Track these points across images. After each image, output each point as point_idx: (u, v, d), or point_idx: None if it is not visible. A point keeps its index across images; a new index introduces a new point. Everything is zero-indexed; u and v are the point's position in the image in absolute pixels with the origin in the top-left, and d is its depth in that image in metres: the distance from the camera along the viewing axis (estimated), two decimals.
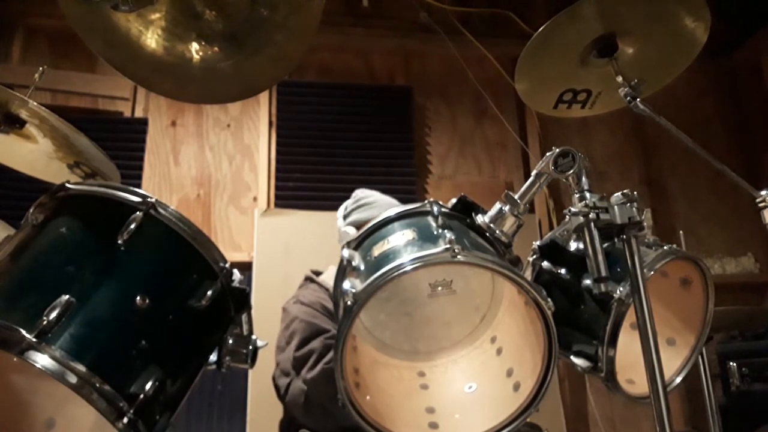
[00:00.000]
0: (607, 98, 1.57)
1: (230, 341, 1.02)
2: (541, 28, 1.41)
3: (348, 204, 2.11)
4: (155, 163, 3.13)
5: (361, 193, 2.14)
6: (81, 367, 0.80)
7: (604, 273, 1.00)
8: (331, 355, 1.75)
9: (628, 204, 1.06)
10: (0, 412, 1.03)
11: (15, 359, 0.79)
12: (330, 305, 1.93)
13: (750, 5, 3.38)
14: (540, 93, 1.59)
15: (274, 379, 1.94)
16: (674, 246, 1.24)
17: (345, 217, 2.09)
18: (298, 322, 1.88)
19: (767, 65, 3.57)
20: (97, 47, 1.26)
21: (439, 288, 1.11)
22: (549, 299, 0.98)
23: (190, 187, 3.14)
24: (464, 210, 1.14)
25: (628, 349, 1.12)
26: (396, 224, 1.10)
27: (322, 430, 1.80)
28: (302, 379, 1.78)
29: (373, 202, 2.09)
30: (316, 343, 1.80)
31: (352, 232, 2.03)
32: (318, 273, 2.10)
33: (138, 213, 0.95)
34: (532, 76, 1.54)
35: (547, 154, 1.14)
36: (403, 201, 1.16)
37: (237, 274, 1.04)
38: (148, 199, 0.97)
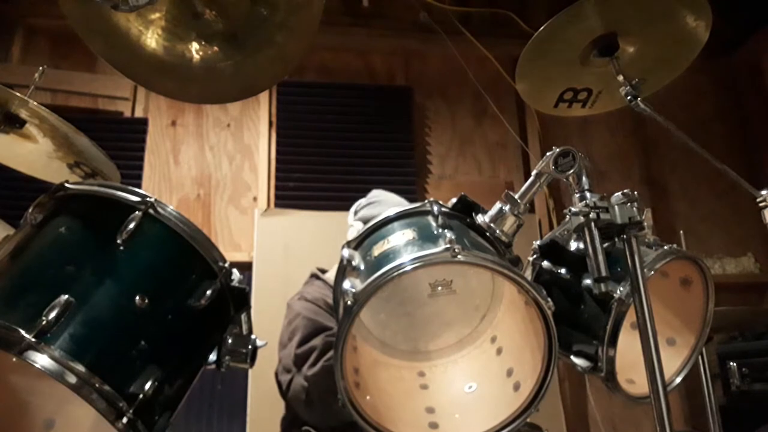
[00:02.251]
0: (608, 98, 1.57)
1: (230, 341, 1.02)
2: (541, 28, 1.41)
3: (362, 201, 2.17)
4: (155, 163, 3.13)
5: (375, 192, 2.19)
6: (80, 367, 0.80)
7: (604, 273, 1.00)
8: (332, 352, 1.76)
9: (629, 204, 1.06)
10: (0, 412, 1.03)
11: (14, 359, 0.79)
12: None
13: (750, 5, 3.38)
14: (540, 92, 1.59)
15: (276, 375, 1.95)
16: (674, 246, 1.23)
17: (356, 213, 2.14)
18: (301, 319, 1.90)
19: (767, 65, 3.57)
20: (97, 47, 1.26)
21: (439, 288, 1.11)
22: (549, 299, 0.98)
23: (190, 187, 3.14)
24: (464, 210, 1.14)
25: (628, 349, 1.12)
26: (396, 224, 1.10)
27: (323, 425, 1.81)
28: (303, 375, 1.79)
29: (382, 200, 2.14)
30: (317, 341, 1.81)
31: (359, 227, 2.08)
32: (324, 271, 2.13)
33: (137, 213, 0.95)
34: (532, 76, 1.54)
35: (548, 153, 1.14)
36: None
37: (236, 274, 1.03)
38: (148, 199, 0.97)
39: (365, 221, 2.10)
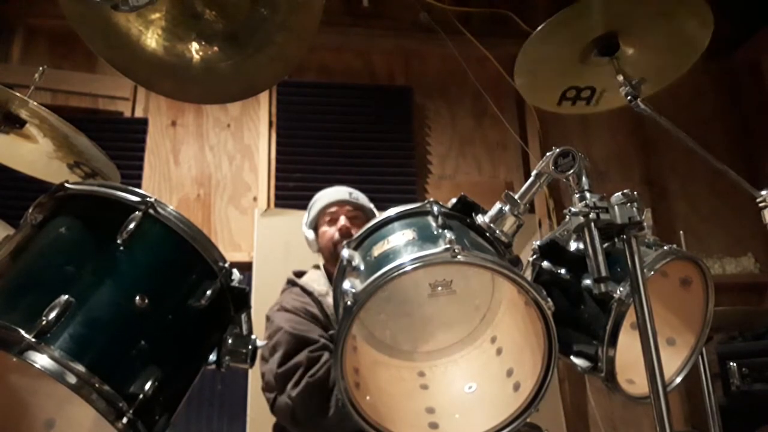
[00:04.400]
0: (613, 95, 1.54)
1: (230, 341, 1.02)
2: (544, 23, 1.41)
3: (306, 212, 2.17)
4: (155, 163, 3.13)
5: (315, 196, 2.18)
6: (80, 368, 0.80)
7: (604, 273, 1.00)
8: (315, 368, 1.73)
9: (629, 204, 1.06)
10: (0, 412, 1.03)
11: (14, 359, 0.79)
12: (315, 310, 1.91)
13: (750, 5, 3.38)
14: (541, 90, 1.59)
15: (262, 390, 1.92)
16: (674, 246, 1.24)
17: (305, 221, 2.15)
18: (283, 334, 1.84)
19: (767, 65, 3.57)
20: (97, 47, 1.26)
21: (439, 288, 1.11)
22: (549, 299, 0.98)
23: (190, 187, 3.14)
24: (464, 210, 1.14)
25: (628, 349, 1.12)
26: (396, 224, 1.10)
27: None
28: (287, 395, 1.75)
29: (318, 198, 2.14)
30: (300, 357, 1.77)
31: (311, 236, 2.06)
32: (300, 274, 2.09)
33: (137, 213, 0.95)
34: (531, 72, 1.54)
35: (548, 154, 1.14)
36: (403, 201, 1.15)
37: (236, 274, 1.03)
38: (148, 199, 0.97)
39: (311, 227, 2.10)
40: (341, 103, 3.35)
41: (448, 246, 0.94)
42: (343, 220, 2.02)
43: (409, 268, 0.94)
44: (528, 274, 1.26)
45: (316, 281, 2.02)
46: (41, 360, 0.79)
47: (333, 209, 2.06)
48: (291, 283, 2.07)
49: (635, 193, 1.07)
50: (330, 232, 2.02)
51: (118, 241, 0.92)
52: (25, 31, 3.16)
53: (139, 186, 2.47)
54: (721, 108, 3.71)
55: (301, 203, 3.02)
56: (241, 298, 1.04)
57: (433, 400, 1.11)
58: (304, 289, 1.99)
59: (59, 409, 1.04)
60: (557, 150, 1.13)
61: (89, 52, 1.26)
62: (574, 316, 1.19)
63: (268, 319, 1.98)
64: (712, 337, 2.32)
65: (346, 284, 0.99)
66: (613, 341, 1.13)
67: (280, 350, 1.81)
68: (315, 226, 2.10)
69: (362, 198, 2.12)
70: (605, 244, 1.04)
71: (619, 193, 1.07)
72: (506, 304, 1.14)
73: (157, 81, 1.36)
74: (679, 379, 1.30)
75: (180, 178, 3.14)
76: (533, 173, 1.16)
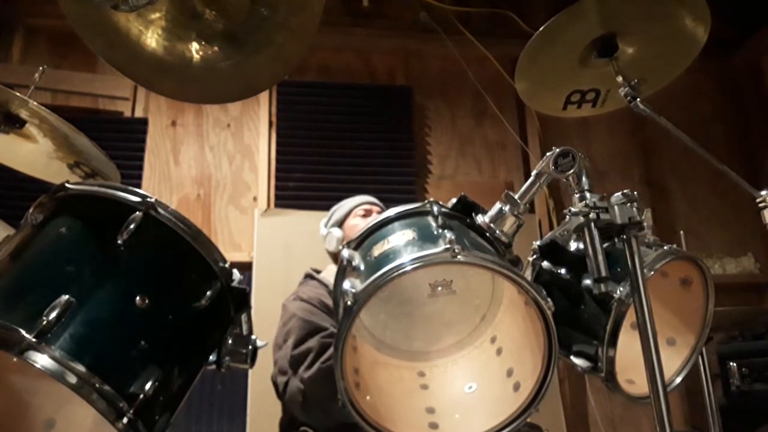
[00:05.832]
0: (618, 95, 1.54)
1: (230, 341, 1.02)
2: (541, 28, 1.41)
3: (327, 214, 2.25)
4: (155, 163, 3.13)
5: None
6: (80, 368, 0.80)
7: (604, 273, 1.00)
8: (328, 353, 1.76)
9: (629, 204, 1.06)
10: (0, 412, 1.03)
11: (15, 359, 0.79)
12: (329, 301, 1.94)
13: (750, 5, 3.38)
14: (544, 96, 1.59)
15: (273, 377, 1.95)
16: (674, 246, 1.24)
17: (326, 224, 2.22)
18: (296, 320, 1.89)
19: (767, 65, 3.57)
20: (97, 47, 1.26)
21: (439, 288, 1.11)
22: (549, 299, 0.98)
23: (190, 187, 3.14)
24: (464, 210, 1.14)
25: (628, 349, 1.12)
26: (396, 224, 1.10)
27: (321, 427, 1.81)
28: (299, 378, 1.79)
29: (342, 204, 2.24)
30: (312, 342, 1.81)
31: (338, 234, 2.09)
32: (318, 271, 2.13)
33: (138, 213, 0.95)
34: (532, 77, 1.54)
35: (548, 154, 1.14)
36: (403, 201, 1.16)
37: (237, 274, 1.03)
38: (148, 199, 0.97)
39: (339, 224, 2.15)
40: (341, 103, 3.35)
41: (448, 246, 0.94)
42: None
43: (409, 268, 0.94)
44: (528, 274, 1.26)
45: (333, 275, 2.06)
46: (42, 360, 0.79)
47: (366, 206, 2.18)
48: (308, 276, 2.12)
49: (635, 193, 1.07)
50: (364, 223, 2.09)
51: (119, 242, 0.92)
52: (25, 31, 3.16)
53: (139, 186, 2.48)
54: (721, 108, 3.71)
55: (301, 203, 3.06)
56: (241, 299, 1.04)
57: (433, 400, 1.11)
58: (320, 282, 2.05)
59: (59, 409, 1.04)
60: (557, 150, 1.13)
61: (89, 52, 1.26)
62: (574, 316, 1.19)
63: (283, 307, 2.03)
64: (712, 337, 2.31)
65: (346, 284, 1.00)
66: (613, 341, 1.13)
67: (293, 336, 1.87)
68: (341, 223, 2.18)
69: None
70: (605, 244, 1.04)
71: (619, 193, 1.07)
72: (506, 304, 1.15)
73: (157, 81, 1.36)
74: (679, 379, 1.30)
75: (180, 178, 3.14)
76: (533, 173, 1.16)
